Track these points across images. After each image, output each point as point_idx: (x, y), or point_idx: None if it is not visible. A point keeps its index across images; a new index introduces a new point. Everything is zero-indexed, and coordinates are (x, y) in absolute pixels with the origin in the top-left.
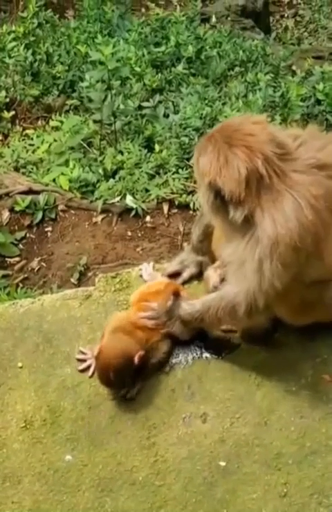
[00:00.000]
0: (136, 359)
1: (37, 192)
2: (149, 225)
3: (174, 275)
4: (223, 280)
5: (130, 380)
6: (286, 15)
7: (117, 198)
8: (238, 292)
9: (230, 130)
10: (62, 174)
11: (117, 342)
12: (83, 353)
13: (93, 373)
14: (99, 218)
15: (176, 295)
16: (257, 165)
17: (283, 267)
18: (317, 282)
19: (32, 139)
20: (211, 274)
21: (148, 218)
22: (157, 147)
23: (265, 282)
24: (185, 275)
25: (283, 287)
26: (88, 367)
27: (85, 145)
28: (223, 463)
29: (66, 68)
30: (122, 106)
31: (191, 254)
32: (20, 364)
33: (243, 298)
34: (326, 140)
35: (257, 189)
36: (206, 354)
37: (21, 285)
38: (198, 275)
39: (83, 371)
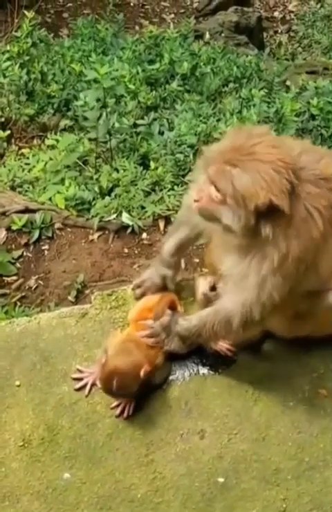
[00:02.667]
0: (142, 373)
1: (34, 211)
2: (145, 242)
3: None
4: (213, 288)
5: (131, 392)
6: (279, 31)
7: (113, 216)
8: (234, 304)
9: (248, 147)
10: (58, 192)
11: (127, 351)
12: (80, 371)
13: (89, 391)
14: (96, 235)
15: (173, 308)
16: (291, 175)
17: (283, 279)
18: (310, 293)
19: (27, 158)
20: (202, 282)
21: (144, 235)
22: (152, 164)
23: (265, 295)
24: (147, 284)
25: (280, 299)
26: (85, 386)
27: (81, 163)
28: (221, 480)
29: (61, 87)
30: (117, 124)
31: (159, 267)
32: (17, 383)
33: (238, 310)
34: (321, 152)
35: (290, 201)
36: (203, 370)
37: (18, 304)
38: (163, 288)
39: (79, 389)
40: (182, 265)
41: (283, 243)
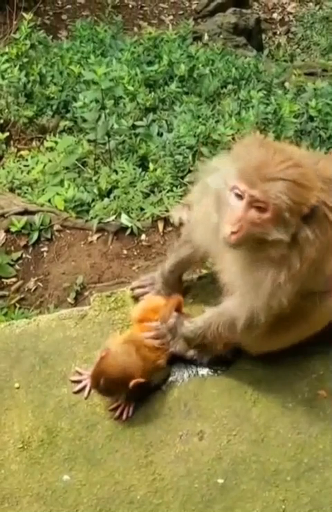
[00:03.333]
0: (132, 383)
1: (33, 213)
2: (144, 243)
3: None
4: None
5: (116, 394)
6: (278, 32)
7: (113, 217)
8: (241, 308)
9: (270, 159)
10: (57, 194)
11: (124, 356)
12: (78, 373)
13: (89, 394)
14: (95, 237)
15: (178, 310)
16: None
17: (294, 284)
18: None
19: (26, 160)
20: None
21: (143, 236)
22: (151, 166)
23: (275, 301)
24: (150, 291)
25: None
26: (83, 388)
27: (80, 165)
28: (220, 481)
29: (60, 88)
30: (115, 126)
31: (160, 280)
32: (17, 385)
33: (244, 314)
34: (317, 156)
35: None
36: (202, 372)
37: (17, 305)
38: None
39: (78, 392)
40: None
41: (302, 249)
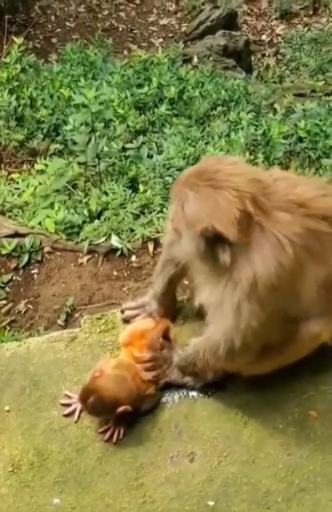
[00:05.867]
0: (119, 410)
1: (23, 235)
2: (134, 264)
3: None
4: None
5: (100, 416)
6: (267, 54)
7: (103, 239)
8: (218, 332)
9: (210, 173)
10: (48, 216)
11: (118, 380)
12: (68, 397)
13: (79, 417)
14: (85, 259)
15: (165, 336)
16: (246, 204)
17: (260, 307)
18: (290, 321)
19: (17, 183)
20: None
21: (133, 257)
22: (141, 187)
23: (243, 322)
24: (141, 313)
25: (261, 326)
26: (73, 411)
27: (70, 187)
28: (211, 503)
29: (50, 112)
30: (106, 148)
31: (154, 303)
32: (7, 408)
33: (221, 338)
34: (297, 179)
35: (248, 229)
36: (192, 393)
37: (8, 328)
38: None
39: (68, 415)
40: None
41: (249, 270)
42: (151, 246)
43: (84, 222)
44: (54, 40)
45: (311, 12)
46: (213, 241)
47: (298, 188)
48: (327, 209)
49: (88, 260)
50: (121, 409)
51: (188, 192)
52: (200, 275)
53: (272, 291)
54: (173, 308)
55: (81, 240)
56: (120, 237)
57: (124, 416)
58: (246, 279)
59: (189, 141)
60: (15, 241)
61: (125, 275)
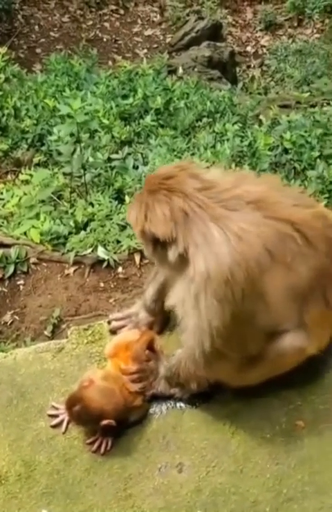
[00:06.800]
0: (104, 423)
1: (8, 246)
2: (121, 276)
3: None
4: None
5: (89, 425)
6: (252, 65)
7: (89, 250)
8: (189, 336)
9: (151, 179)
10: (33, 227)
11: (106, 393)
12: (55, 408)
13: (66, 428)
14: (72, 270)
15: (150, 347)
16: (179, 202)
17: (218, 302)
18: (264, 334)
19: (1, 193)
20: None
21: (120, 269)
22: (127, 199)
23: (205, 320)
24: (128, 324)
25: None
26: (61, 422)
27: (55, 198)
28: None
29: (35, 122)
30: (91, 159)
31: (143, 313)
32: None
33: (193, 341)
34: (261, 179)
35: (186, 226)
36: (180, 404)
37: None
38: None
39: (55, 426)
40: None
41: (200, 264)
42: (137, 258)
43: (70, 233)
44: (38, 50)
45: (296, 24)
46: (157, 242)
47: (261, 186)
48: (289, 214)
49: (74, 271)
50: (105, 422)
51: (133, 200)
52: (168, 278)
53: (225, 284)
54: (163, 316)
55: (68, 251)
56: (106, 248)
57: (110, 428)
58: (199, 274)
59: (175, 152)
60: (0, 251)
61: (112, 286)
